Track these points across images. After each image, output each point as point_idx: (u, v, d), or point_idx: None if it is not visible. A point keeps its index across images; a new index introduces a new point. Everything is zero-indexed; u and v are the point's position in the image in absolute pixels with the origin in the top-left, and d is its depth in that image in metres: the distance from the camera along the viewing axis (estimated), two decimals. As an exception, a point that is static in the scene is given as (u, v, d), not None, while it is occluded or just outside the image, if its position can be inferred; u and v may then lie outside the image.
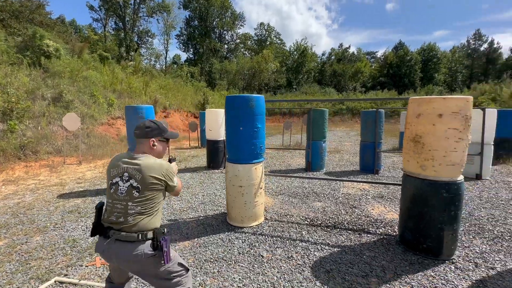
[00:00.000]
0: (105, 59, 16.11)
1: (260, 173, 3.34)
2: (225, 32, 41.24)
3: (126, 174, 1.43)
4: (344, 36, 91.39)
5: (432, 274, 2.35)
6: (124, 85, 14.45)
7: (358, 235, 3.10)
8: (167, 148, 1.74)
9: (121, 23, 32.12)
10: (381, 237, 3.06)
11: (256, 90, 32.98)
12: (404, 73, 35.56)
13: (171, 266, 1.50)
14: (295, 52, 40.35)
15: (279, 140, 12.27)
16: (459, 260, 2.55)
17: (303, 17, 78.88)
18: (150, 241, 1.43)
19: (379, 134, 6.29)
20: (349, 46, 46.63)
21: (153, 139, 1.55)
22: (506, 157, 7.16)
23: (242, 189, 3.24)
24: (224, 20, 39.46)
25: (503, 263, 2.52)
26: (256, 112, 3.19)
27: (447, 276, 2.32)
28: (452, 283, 2.23)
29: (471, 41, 39.64)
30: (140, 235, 1.40)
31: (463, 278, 2.29)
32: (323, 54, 44.13)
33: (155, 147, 1.56)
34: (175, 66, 35.28)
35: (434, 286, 2.18)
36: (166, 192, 1.58)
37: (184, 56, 43.35)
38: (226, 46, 41.79)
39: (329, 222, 3.48)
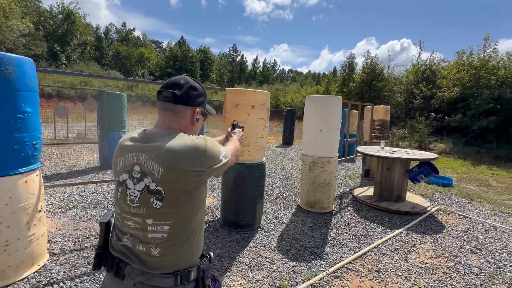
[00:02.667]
0: None
1: (37, 188, 2.05)
2: None
3: (137, 167, 0.77)
4: (127, 15, 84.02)
5: (254, 244, 2.71)
6: None
7: (187, 231, 2.90)
8: None
9: None
10: (208, 225, 3.09)
11: (-12, 55, 21.18)
12: (188, 68, 39.39)
13: None
14: (60, 16, 30.71)
15: (49, 132, 8.80)
16: (265, 225, 3.18)
17: (68, -27, 61.49)
18: (192, 285, 0.80)
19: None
20: (134, 28, 43.48)
21: (198, 109, 0.90)
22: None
23: (-5, 222, 1.81)
24: None
25: (285, 216, 3.48)
26: (19, 86, 1.86)
27: (262, 241, 2.79)
28: (267, 245, 2.71)
29: (231, 52, 51.89)
30: (179, 276, 0.77)
31: (271, 238, 2.87)
32: (97, 28, 37.27)
33: (197, 124, 0.90)
34: None
35: (259, 254, 2.53)
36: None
37: None
38: None
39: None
